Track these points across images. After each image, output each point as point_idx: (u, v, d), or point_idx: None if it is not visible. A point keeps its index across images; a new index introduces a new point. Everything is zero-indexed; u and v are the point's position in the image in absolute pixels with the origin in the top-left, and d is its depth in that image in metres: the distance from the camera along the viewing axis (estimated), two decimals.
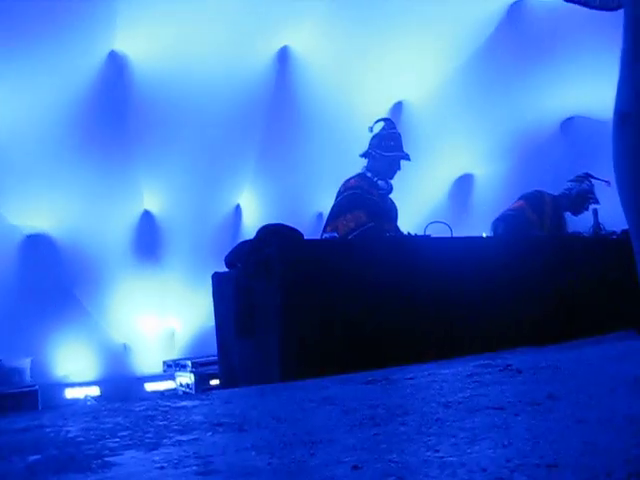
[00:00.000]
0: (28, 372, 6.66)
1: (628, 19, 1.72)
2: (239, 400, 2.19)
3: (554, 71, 7.77)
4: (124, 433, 1.60)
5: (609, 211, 4.06)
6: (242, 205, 8.76)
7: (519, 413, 1.45)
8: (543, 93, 8.16)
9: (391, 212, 4.35)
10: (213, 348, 4.10)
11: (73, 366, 7.73)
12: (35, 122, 6.92)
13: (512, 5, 7.65)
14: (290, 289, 3.14)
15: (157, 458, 1.31)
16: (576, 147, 8.29)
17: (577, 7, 2.13)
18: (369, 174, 4.27)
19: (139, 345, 8.21)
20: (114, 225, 7.85)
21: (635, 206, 1.68)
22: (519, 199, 5.36)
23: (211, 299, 4.08)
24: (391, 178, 4.32)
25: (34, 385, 6.51)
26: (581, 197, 5.32)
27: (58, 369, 7.69)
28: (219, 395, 2.39)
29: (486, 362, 2.43)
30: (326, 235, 4.00)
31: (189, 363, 6.76)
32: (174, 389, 7.09)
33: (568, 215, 5.42)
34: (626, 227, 1.79)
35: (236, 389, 3.01)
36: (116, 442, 1.49)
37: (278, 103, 8.01)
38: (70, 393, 7.54)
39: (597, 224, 4.88)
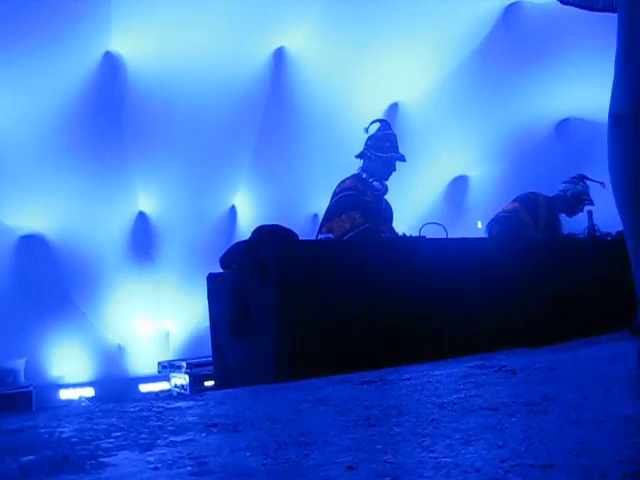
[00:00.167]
0: (22, 373, 6.63)
1: (622, 20, 1.73)
2: (233, 401, 2.19)
3: (549, 73, 7.79)
4: (118, 434, 1.60)
5: (604, 212, 4.08)
6: (237, 206, 8.75)
7: (514, 414, 1.45)
8: (538, 95, 8.19)
9: (386, 213, 4.36)
10: (208, 349, 4.09)
11: (67, 367, 7.71)
12: (30, 123, 6.91)
13: (508, 7, 7.68)
14: (285, 290, 3.14)
15: (151, 459, 1.30)
16: (571, 149, 8.32)
17: (573, 9, 2.14)
18: (364, 175, 4.28)
19: (134, 346, 8.19)
20: (109, 226, 7.84)
21: (630, 207, 1.68)
22: (514, 201, 5.37)
23: (206, 300, 4.07)
24: (386, 179, 4.33)
25: (28, 386, 6.49)
26: (576, 198, 5.33)
27: (52, 370, 7.67)
28: (213, 396, 2.38)
29: (481, 363, 2.43)
30: (321, 236, 3.99)
31: (184, 364, 6.74)
32: (169, 390, 7.07)
33: (563, 216, 5.43)
34: (621, 228, 1.79)
35: (230, 390, 3.01)
36: (110, 443, 1.49)
37: (273, 104, 8.01)
38: (64, 394, 7.52)
39: (592, 225, 4.89)
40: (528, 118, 8.46)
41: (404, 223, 4.58)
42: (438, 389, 1.94)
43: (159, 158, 7.64)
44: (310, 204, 8.21)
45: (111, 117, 7.38)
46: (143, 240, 8.15)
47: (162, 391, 7.30)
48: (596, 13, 2.08)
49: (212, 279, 4.01)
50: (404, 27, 7.43)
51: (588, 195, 5.35)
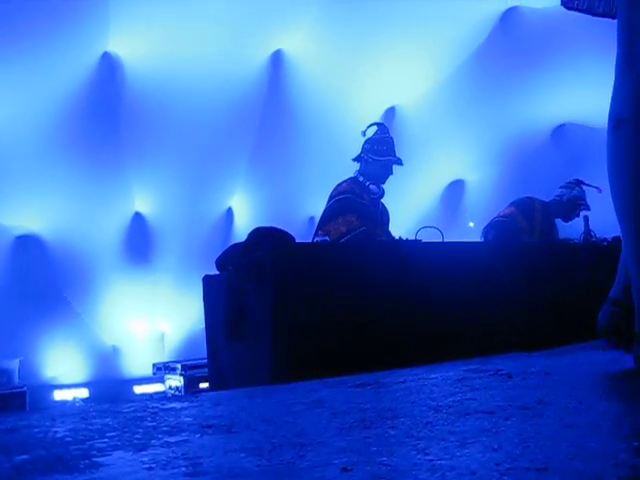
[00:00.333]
0: (16, 373, 6.62)
1: (622, 25, 1.73)
2: (228, 402, 2.18)
3: (546, 78, 7.81)
4: (112, 434, 1.59)
5: (600, 218, 4.08)
6: (234, 208, 8.75)
7: (509, 417, 1.44)
8: (535, 100, 8.21)
9: (383, 216, 4.36)
10: (203, 351, 4.09)
11: (62, 368, 7.69)
12: (27, 123, 6.90)
13: (506, 12, 7.70)
14: (281, 292, 3.14)
15: (145, 459, 1.30)
16: (567, 154, 8.34)
17: (571, 15, 2.14)
18: (361, 178, 4.28)
19: (129, 347, 8.17)
20: (105, 226, 7.82)
21: (629, 212, 1.68)
22: (510, 205, 5.38)
23: (201, 302, 4.07)
24: (383, 182, 4.33)
25: (22, 386, 6.47)
26: (572, 203, 5.35)
27: (47, 370, 7.65)
28: (208, 397, 2.38)
29: (476, 367, 2.43)
30: (318, 239, 4.00)
31: (179, 366, 6.73)
32: (163, 392, 7.06)
33: (559, 221, 5.44)
34: (617, 234, 1.79)
35: (225, 391, 3.00)
36: (104, 443, 1.48)
37: (271, 106, 8.02)
38: (59, 395, 7.50)
39: (588, 231, 4.90)
40: (525, 123, 8.49)
41: (401, 226, 4.59)
42: (433, 392, 1.94)
43: (156, 159, 7.64)
44: (307, 207, 8.22)
45: (108, 118, 7.38)
46: (139, 241, 8.13)
47: (156, 393, 7.28)
48: (594, 19, 2.09)
49: (208, 281, 4.01)
50: (402, 31, 7.44)
51: (584, 200, 5.36)
